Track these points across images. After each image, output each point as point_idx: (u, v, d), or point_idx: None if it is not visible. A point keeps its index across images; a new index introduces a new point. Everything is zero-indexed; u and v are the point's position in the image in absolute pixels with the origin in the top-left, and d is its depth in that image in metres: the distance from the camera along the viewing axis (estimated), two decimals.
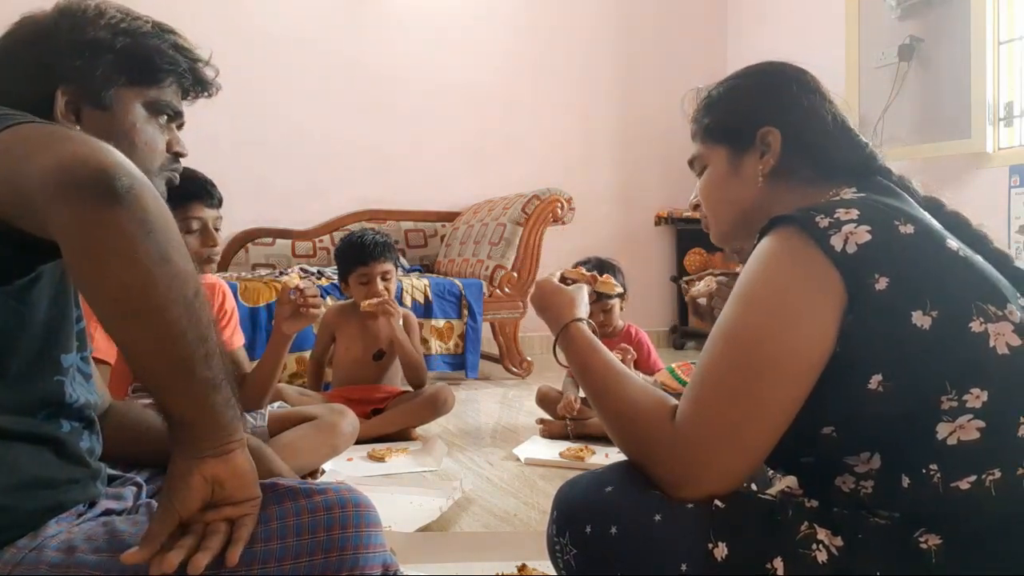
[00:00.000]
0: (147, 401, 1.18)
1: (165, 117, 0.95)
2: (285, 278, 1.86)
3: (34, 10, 0.91)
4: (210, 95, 1.01)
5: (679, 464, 0.80)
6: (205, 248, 1.69)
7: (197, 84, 0.98)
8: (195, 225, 1.67)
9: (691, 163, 1.08)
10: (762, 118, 0.97)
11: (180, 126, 1.00)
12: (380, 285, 2.41)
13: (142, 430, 1.03)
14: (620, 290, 1.24)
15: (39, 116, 0.84)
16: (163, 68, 0.93)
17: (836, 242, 0.78)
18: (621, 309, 2.60)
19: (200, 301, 0.69)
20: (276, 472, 1.28)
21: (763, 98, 1.00)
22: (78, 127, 0.87)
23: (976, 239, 0.92)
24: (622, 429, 0.88)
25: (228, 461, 0.74)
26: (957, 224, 0.93)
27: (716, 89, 1.05)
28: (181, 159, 0.99)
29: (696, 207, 1.09)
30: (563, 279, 1.18)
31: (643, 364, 2.51)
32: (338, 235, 4.05)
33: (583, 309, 1.08)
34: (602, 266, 2.49)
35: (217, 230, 1.72)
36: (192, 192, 1.64)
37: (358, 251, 2.41)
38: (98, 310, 0.67)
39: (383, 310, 2.35)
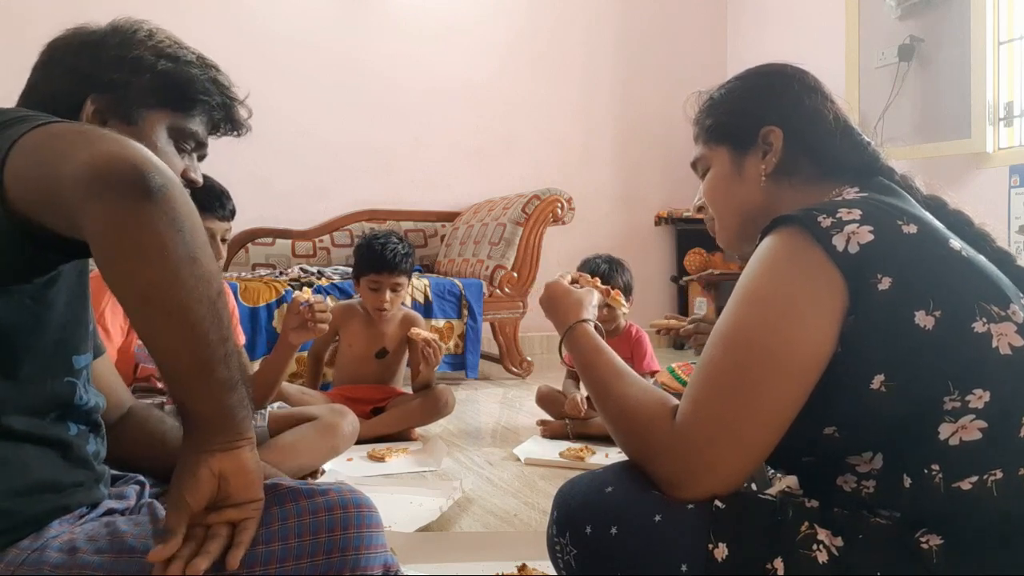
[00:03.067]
0: (148, 401, 1.18)
1: (187, 144, 0.97)
2: (297, 293, 1.89)
3: (89, 21, 0.94)
4: (239, 135, 1.04)
5: (679, 463, 0.81)
6: None
7: (227, 121, 1.01)
8: None
9: (694, 165, 1.08)
10: (764, 117, 0.97)
11: (202, 157, 1.02)
12: (388, 295, 2.43)
13: (156, 439, 1.04)
14: (626, 311, 1.25)
15: (65, 115, 0.85)
16: (196, 98, 0.95)
17: (838, 242, 0.78)
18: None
19: (223, 302, 0.70)
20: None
21: (764, 98, 1.00)
22: None
23: (978, 238, 0.92)
24: (623, 428, 0.88)
25: (235, 457, 0.74)
26: (959, 223, 0.93)
27: (718, 91, 1.05)
28: (193, 187, 1.00)
29: (700, 209, 1.08)
30: (573, 282, 1.18)
31: (638, 364, 2.51)
32: (338, 235, 4.05)
33: (590, 311, 1.09)
34: (611, 263, 2.50)
35: (225, 241, 1.73)
36: (204, 203, 1.65)
37: (376, 259, 2.41)
38: (126, 306, 0.68)
39: (426, 354, 2.34)
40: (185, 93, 0.94)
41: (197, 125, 0.97)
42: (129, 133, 0.89)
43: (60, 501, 0.80)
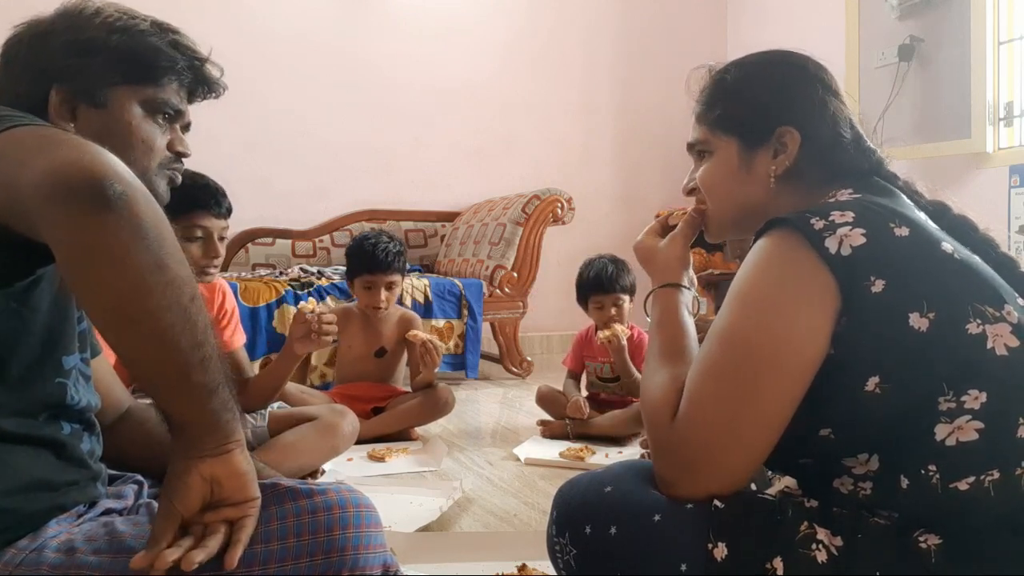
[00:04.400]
0: (147, 402, 1.18)
1: (164, 116, 0.94)
2: (303, 304, 1.89)
3: (40, 13, 0.92)
4: (217, 95, 1.01)
5: (675, 463, 0.81)
6: (205, 258, 1.69)
7: (200, 83, 0.98)
8: (198, 233, 1.67)
9: (691, 147, 1.02)
10: (782, 116, 0.94)
11: (186, 127, 0.99)
12: (383, 294, 2.43)
13: (155, 439, 1.03)
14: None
15: (37, 113, 0.83)
16: (159, 66, 0.92)
17: (831, 244, 0.78)
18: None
19: (196, 306, 0.69)
20: None
21: (785, 95, 0.95)
22: (72, 125, 0.88)
23: (982, 244, 0.91)
24: (643, 417, 0.89)
25: (226, 461, 0.74)
26: (964, 229, 0.92)
27: (730, 73, 0.99)
28: (184, 159, 0.98)
29: (692, 192, 1.04)
30: (666, 227, 1.09)
31: (640, 367, 2.51)
32: (338, 235, 4.05)
33: (677, 267, 1.02)
34: (616, 264, 2.49)
35: (222, 239, 1.72)
36: (200, 201, 1.65)
37: (369, 259, 2.42)
38: (92, 316, 0.67)
39: (424, 357, 2.34)
40: (146, 63, 0.91)
41: (169, 93, 0.94)
42: (101, 117, 0.89)
43: (56, 500, 0.80)
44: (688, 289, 1.02)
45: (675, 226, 1.07)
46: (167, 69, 0.93)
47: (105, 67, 0.89)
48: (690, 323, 0.97)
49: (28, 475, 0.78)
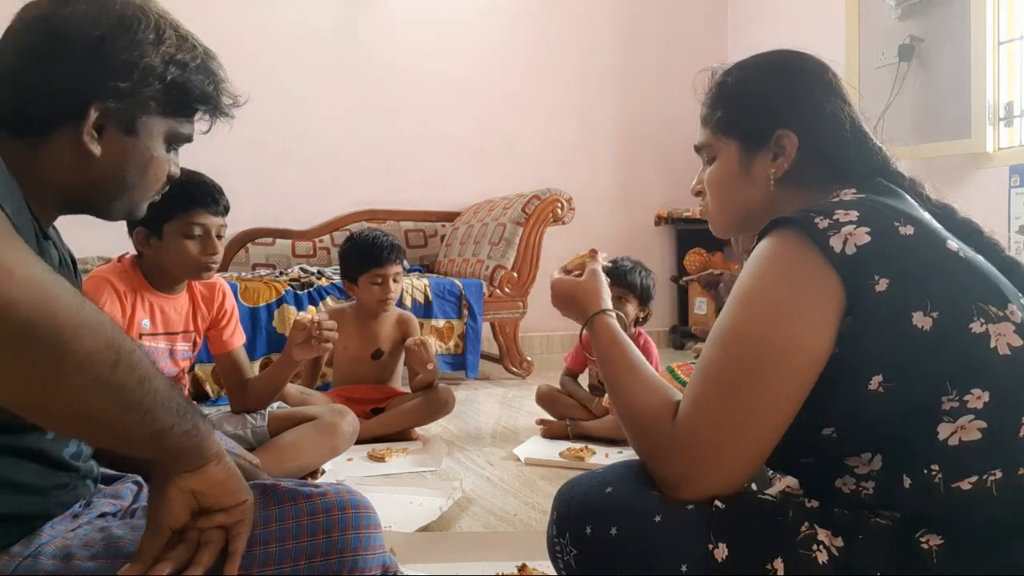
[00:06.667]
0: None
1: (179, 146, 0.94)
2: (303, 313, 1.91)
3: None
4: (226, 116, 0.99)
5: (679, 465, 0.81)
6: (204, 256, 1.69)
7: (216, 114, 0.97)
8: (197, 231, 1.67)
9: (698, 150, 1.03)
10: (780, 120, 0.94)
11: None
12: (392, 286, 2.44)
13: None
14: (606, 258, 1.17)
15: (59, 117, 0.80)
16: (198, 106, 0.92)
17: (835, 243, 0.78)
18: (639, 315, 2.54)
19: (122, 370, 0.62)
20: None
21: (782, 98, 0.95)
22: (97, 147, 0.83)
23: (988, 248, 0.90)
24: (629, 429, 0.88)
25: (200, 474, 0.73)
26: (969, 232, 0.91)
27: (732, 75, 1.00)
28: (173, 180, 0.96)
29: (699, 194, 1.05)
30: (569, 271, 1.14)
31: None
32: (338, 235, 4.04)
33: (606, 297, 1.05)
34: (635, 268, 2.46)
35: (220, 236, 1.72)
36: (197, 198, 1.65)
37: (374, 253, 2.43)
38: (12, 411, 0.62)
39: (414, 358, 2.35)
40: (188, 102, 0.90)
41: (191, 127, 0.94)
42: (127, 144, 0.85)
43: (43, 504, 0.79)
44: (614, 312, 1.04)
45: (574, 269, 1.14)
46: (202, 108, 0.93)
47: (152, 98, 0.86)
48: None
49: (12, 482, 0.76)
